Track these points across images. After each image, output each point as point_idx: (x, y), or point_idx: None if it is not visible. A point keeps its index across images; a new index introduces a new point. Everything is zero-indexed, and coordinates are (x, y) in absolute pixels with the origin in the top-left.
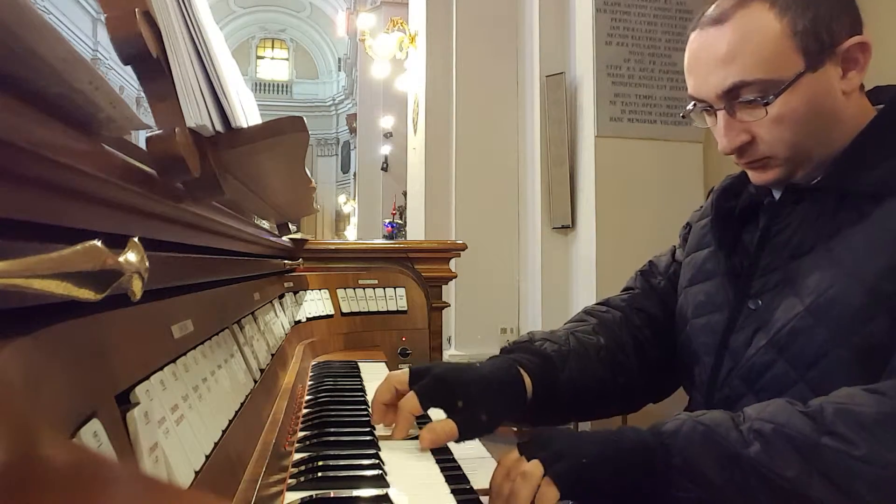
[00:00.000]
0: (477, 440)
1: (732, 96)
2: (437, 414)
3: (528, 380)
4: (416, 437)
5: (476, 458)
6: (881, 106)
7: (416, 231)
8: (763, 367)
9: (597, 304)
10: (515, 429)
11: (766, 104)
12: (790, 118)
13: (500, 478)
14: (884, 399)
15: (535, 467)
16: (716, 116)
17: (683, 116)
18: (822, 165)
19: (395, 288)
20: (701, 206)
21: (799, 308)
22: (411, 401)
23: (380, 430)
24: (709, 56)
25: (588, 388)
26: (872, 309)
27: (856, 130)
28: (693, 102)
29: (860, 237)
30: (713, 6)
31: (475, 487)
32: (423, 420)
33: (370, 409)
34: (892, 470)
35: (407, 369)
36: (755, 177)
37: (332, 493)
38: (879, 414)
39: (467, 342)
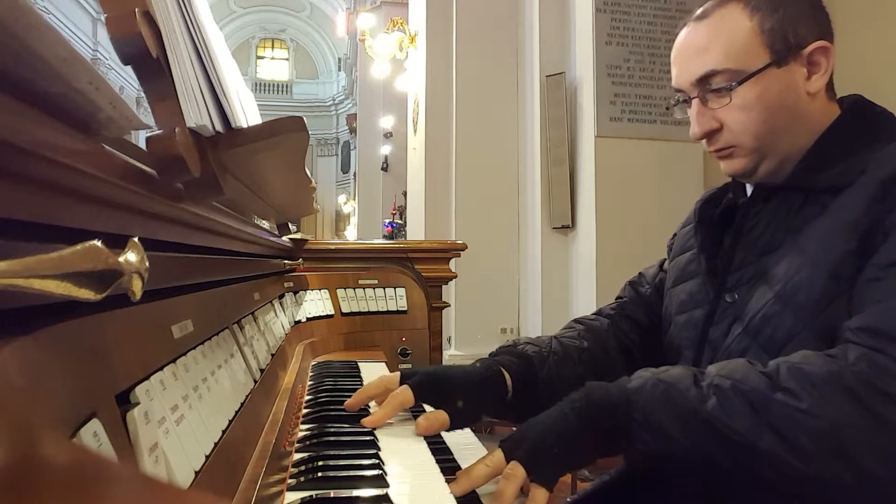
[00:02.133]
0: (469, 431)
1: (704, 84)
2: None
3: (508, 378)
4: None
5: (463, 444)
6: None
7: (416, 231)
8: (739, 354)
9: (590, 314)
10: (515, 428)
11: (731, 90)
12: (754, 108)
13: (476, 467)
14: (833, 360)
15: (498, 453)
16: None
17: (667, 108)
18: (789, 163)
19: (395, 288)
20: (686, 217)
21: (769, 296)
22: (405, 392)
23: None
24: (688, 48)
25: (569, 386)
26: (833, 292)
27: (821, 131)
28: (677, 94)
29: (821, 228)
30: (702, 6)
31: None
32: (417, 412)
33: (369, 405)
34: (832, 423)
35: (397, 373)
36: (724, 166)
37: (332, 493)
38: (828, 374)
39: (467, 342)
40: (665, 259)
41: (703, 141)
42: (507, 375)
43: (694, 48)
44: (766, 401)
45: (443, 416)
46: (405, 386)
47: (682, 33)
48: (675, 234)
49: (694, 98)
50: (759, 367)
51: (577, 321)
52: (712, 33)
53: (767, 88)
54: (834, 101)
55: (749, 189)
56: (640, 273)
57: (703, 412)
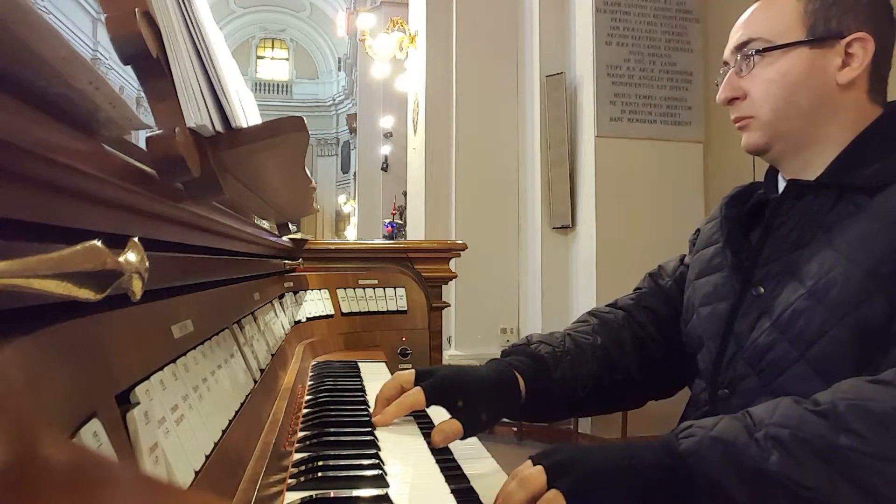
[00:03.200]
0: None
1: (740, 51)
2: (436, 412)
3: (521, 382)
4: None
5: (463, 444)
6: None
7: (416, 231)
8: (765, 347)
9: (605, 305)
10: (515, 428)
11: (758, 53)
12: (776, 81)
13: (505, 486)
14: (892, 391)
15: (538, 472)
16: None
17: (717, 84)
18: (814, 154)
19: (395, 288)
20: (711, 213)
21: (801, 291)
22: (417, 395)
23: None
24: (738, 23)
25: (582, 386)
26: (870, 290)
27: (856, 129)
28: (722, 69)
29: (856, 227)
30: None
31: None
32: (420, 417)
33: (373, 404)
34: None
35: (413, 370)
36: (743, 140)
37: (332, 493)
38: (894, 409)
39: (467, 342)
40: (685, 254)
41: (730, 110)
42: (520, 379)
43: (743, 23)
44: (832, 448)
45: (456, 426)
46: (418, 388)
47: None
48: (698, 230)
49: (731, 68)
50: (808, 406)
51: (591, 314)
52: (765, 6)
53: (794, 65)
54: (879, 103)
55: (781, 185)
56: (659, 266)
57: (769, 471)
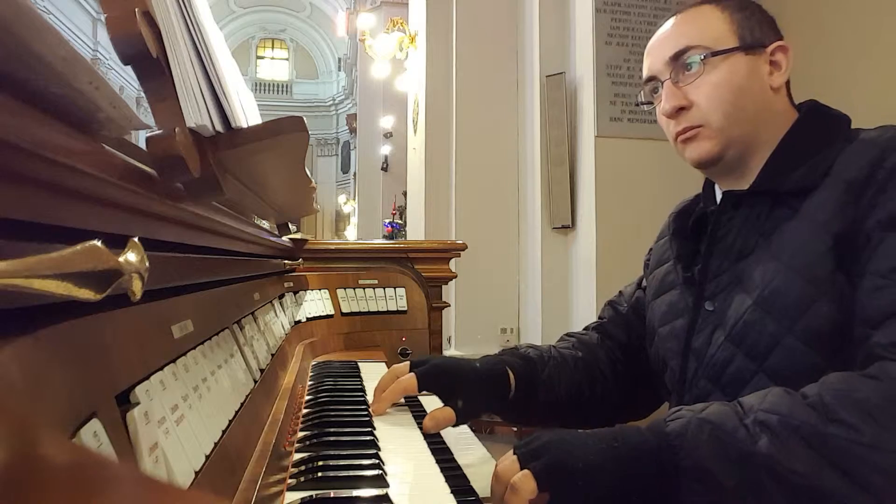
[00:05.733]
0: (469, 431)
1: (677, 61)
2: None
3: (512, 377)
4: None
5: (463, 444)
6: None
7: (416, 231)
8: (724, 362)
9: (580, 330)
10: (515, 429)
11: (703, 60)
12: (723, 85)
13: (493, 481)
14: (880, 384)
15: (511, 463)
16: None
17: (637, 105)
18: (752, 161)
19: (395, 288)
20: (661, 230)
21: (748, 302)
22: (410, 380)
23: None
24: (665, 36)
25: (565, 392)
26: (812, 294)
27: (782, 130)
28: (646, 84)
29: (793, 231)
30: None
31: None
32: (412, 404)
33: (371, 397)
34: None
35: (408, 361)
36: (688, 152)
37: (332, 493)
38: (882, 399)
39: (467, 342)
40: (642, 276)
41: (670, 124)
42: (510, 374)
43: (671, 34)
44: (820, 435)
45: (448, 412)
46: (411, 374)
47: (658, 32)
48: (650, 249)
49: (666, 80)
50: (799, 397)
51: (568, 335)
52: (688, 20)
53: (736, 69)
54: (793, 106)
55: (719, 197)
56: (619, 292)
57: (758, 454)
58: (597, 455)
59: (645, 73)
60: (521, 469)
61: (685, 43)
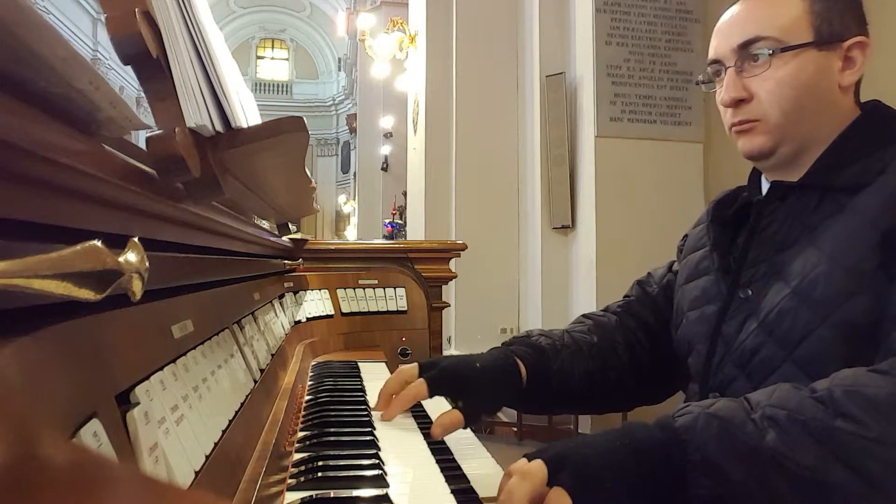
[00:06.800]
0: (469, 431)
1: (744, 50)
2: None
3: (523, 368)
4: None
5: (464, 444)
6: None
7: (416, 231)
8: (753, 349)
9: (598, 311)
10: (515, 428)
11: (772, 55)
12: (788, 82)
13: (504, 482)
14: (891, 379)
15: (538, 465)
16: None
17: (697, 83)
18: (805, 156)
19: (395, 288)
20: (699, 217)
21: (786, 291)
22: (420, 386)
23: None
24: (736, 19)
25: (578, 379)
26: (852, 288)
27: (841, 128)
28: (710, 66)
29: (839, 226)
30: None
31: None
32: (417, 411)
33: (375, 401)
34: None
35: (416, 364)
36: (742, 143)
37: (332, 493)
38: (890, 395)
39: (467, 342)
40: (674, 261)
41: (727, 113)
42: (521, 366)
43: (742, 19)
44: (828, 430)
45: (456, 416)
46: (420, 380)
47: (730, 10)
48: (686, 235)
49: (730, 67)
50: (806, 392)
51: (585, 316)
52: (763, 5)
53: (804, 67)
54: (857, 105)
55: (765, 188)
56: (648, 273)
57: (766, 448)
58: (612, 455)
59: (711, 54)
60: (549, 475)
61: (755, 32)
